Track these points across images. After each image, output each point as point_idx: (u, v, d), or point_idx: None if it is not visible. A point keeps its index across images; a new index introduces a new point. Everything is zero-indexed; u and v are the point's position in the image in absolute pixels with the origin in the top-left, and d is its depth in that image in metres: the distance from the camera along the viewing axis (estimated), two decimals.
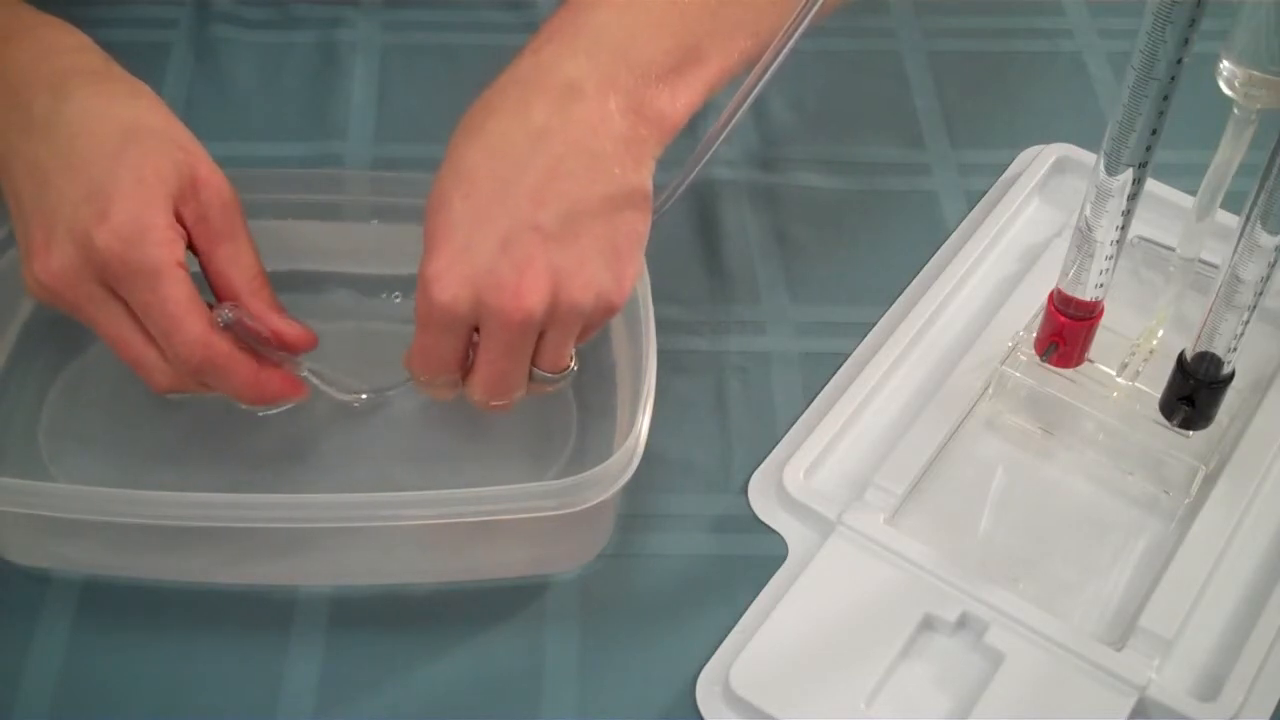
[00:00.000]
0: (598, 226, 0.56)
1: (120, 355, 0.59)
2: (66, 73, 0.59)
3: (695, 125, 0.61)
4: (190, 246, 0.60)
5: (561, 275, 0.55)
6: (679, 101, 0.58)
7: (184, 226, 0.59)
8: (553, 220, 0.55)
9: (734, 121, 0.56)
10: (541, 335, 0.58)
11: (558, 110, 0.56)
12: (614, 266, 0.57)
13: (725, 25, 0.60)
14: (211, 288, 0.61)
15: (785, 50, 0.54)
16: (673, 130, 0.59)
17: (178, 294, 0.56)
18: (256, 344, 0.60)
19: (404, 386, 0.65)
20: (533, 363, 0.59)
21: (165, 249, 0.56)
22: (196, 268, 0.60)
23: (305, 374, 0.62)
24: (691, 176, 0.59)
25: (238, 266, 0.60)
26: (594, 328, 0.59)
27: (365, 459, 0.65)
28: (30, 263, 0.57)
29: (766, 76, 0.55)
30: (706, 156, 0.58)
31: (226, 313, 0.59)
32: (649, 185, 0.58)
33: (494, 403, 0.60)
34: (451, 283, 0.56)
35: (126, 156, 0.57)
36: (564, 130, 0.56)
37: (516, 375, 0.59)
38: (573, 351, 0.60)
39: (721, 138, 0.57)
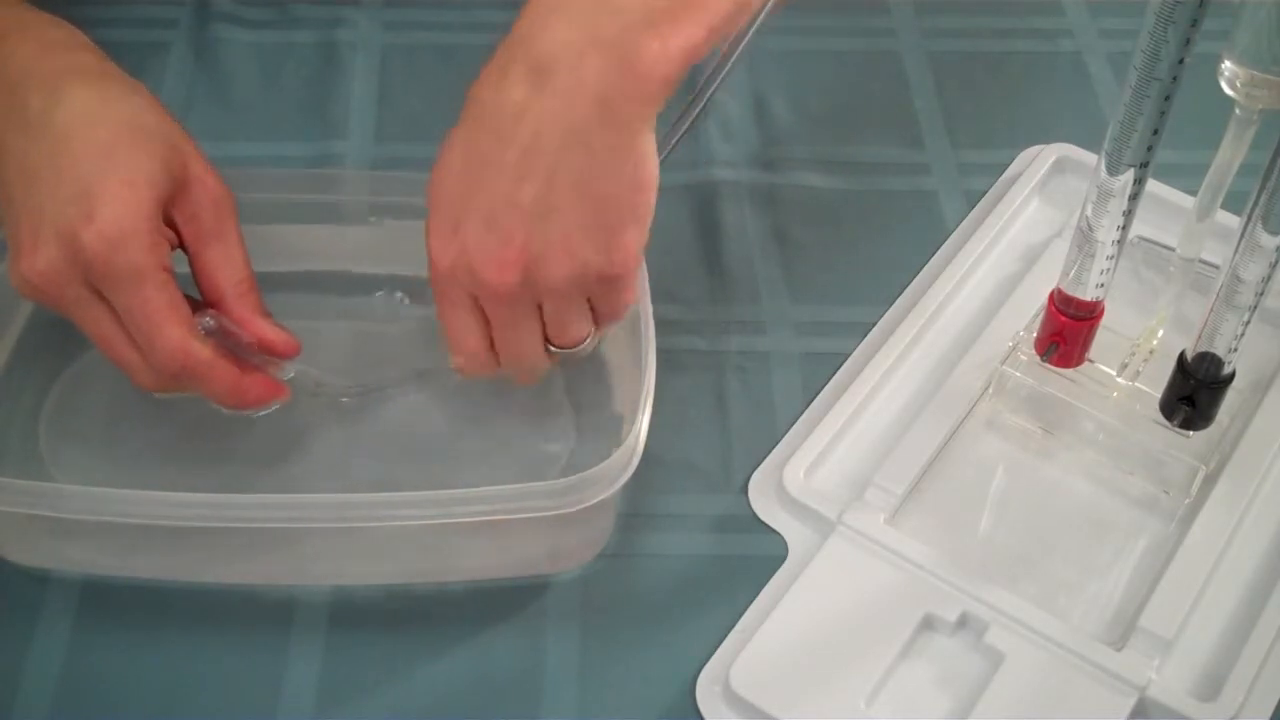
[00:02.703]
0: (580, 197, 0.55)
1: (105, 355, 0.59)
2: (62, 71, 0.59)
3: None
4: (181, 246, 0.60)
5: (540, 249, 0.55)
6: (672, 46, 0.55)
7: (174, 227, 0.59)
8: (531, 196, 0.55)
9: (738, 50, 0.56)
10: (544, 311, 0.58)
11: (536, 82, 0.55)
12: (600, 238, 0.56)
13: None
14: (199, 289, 0.61)
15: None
16: (666, 80, 0.56)
17: (159, 299, 0.56)
18: (238, 349, 0.60)
19: (397, 385, 0.66)
20: (547, 338, 0.59)
21: (149, 253, 0.56)
22: (187, 268, 0.60)
23: (291, 376, 0.62)
24: (692, 117, 0.59)
25: (226, 268, 0.60)
26: (606, 300, 0.58)
27: (364, 459, 0.65)
28: (17, 261, 0.57)
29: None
30: (703, 102, 0.58)
31: (208, 321, 0.59)
32: (641, 147, 0.56)
33: (520, 376, 0.61)
34: (445, 258, 0.56)
35: (116, 157, 0.57)
36: (541, 103, 0.55)
37: (527, 347, 0.59)
38: (590, 328, 0.60)
39: (726, 69, 0.57)
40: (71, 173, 0.56)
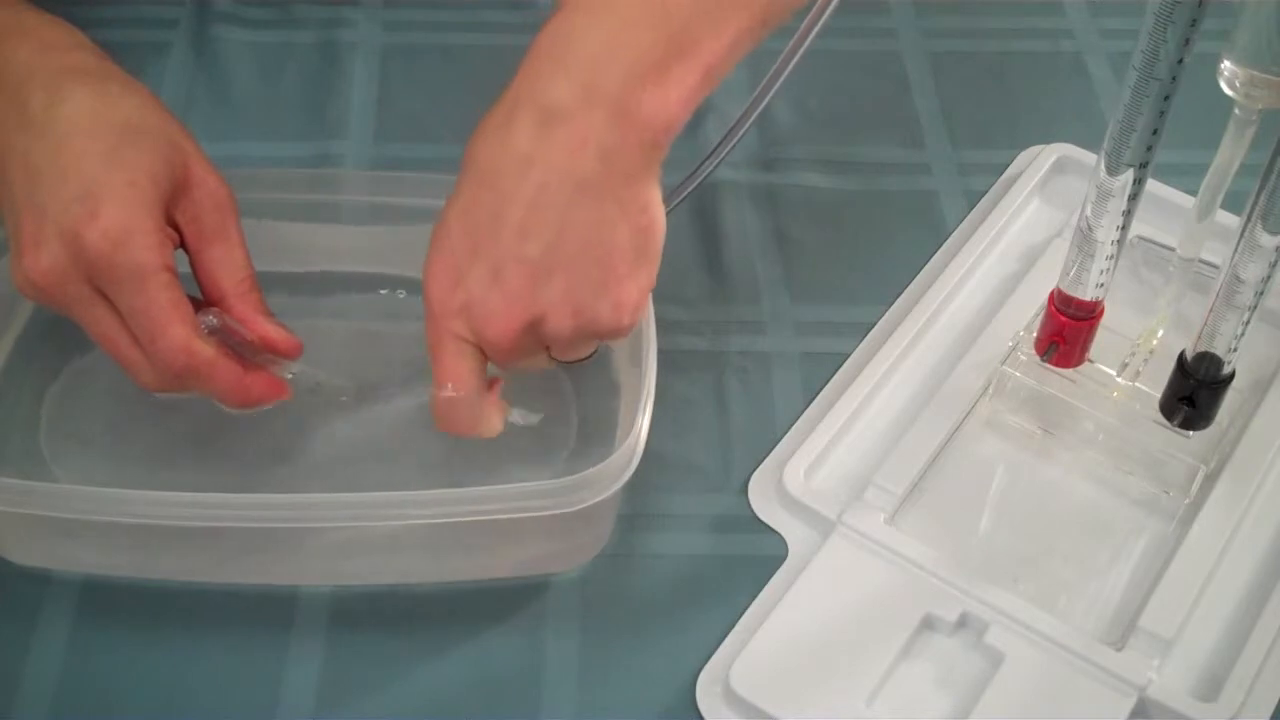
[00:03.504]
0: (585, 253, 0.56)
1: (108, 354, 0.59)
2: (63, 71, 0.59)
3: (697, 130, 0.60)
4: (183, 245, 0.60)
5: (547, 306, 0.56)
6: (671, 96, 0.56)
7: (176, 227, 0.59)
8: (538, 252, 0.55)
9: (756, 113, 0.57)
10: (549, 348, 0.59)
11: (540, 135, 0.55)
12: (607, 291, 0.57)
13: (713, 5, 0.58)
14: (200, 288, 0.61)
15: (804, 47, 0.55)
16: (668, 128, 0.57)
17: (162, 299, 0.56)
18: (241, 348, 0.60)
19: (398, 385, 0.66)
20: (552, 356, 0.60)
21: (152, 252, 0.56)
22: (188, 267, 0.60)
23: (292, 375, 0.62)
24: (708, 171, 0.60)
25: (227, 268, 0.60)
26: (609, 339, 0.59)
27: (365, 459, 0.65)
28: (20, 261, 0.57)
29: (796, 58, 0.56)
30: (721, 157, 0.58)
31: (211, 319, 0.59)
32: (647, 197, 0.57)
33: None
34: (449, 308, 0.57)
35: (119, 157, 0.57)
36: (546, 157, 0.55)
37: (534, 367, 0.60)
38: (594, 347, 0.61)
39: (742, 132, 0.57)
40: (74, 172, 0.56)
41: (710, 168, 0.61)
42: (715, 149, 0.62)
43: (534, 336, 0.57)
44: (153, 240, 0.56)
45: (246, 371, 0.60)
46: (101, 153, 0.57)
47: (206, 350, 0.58)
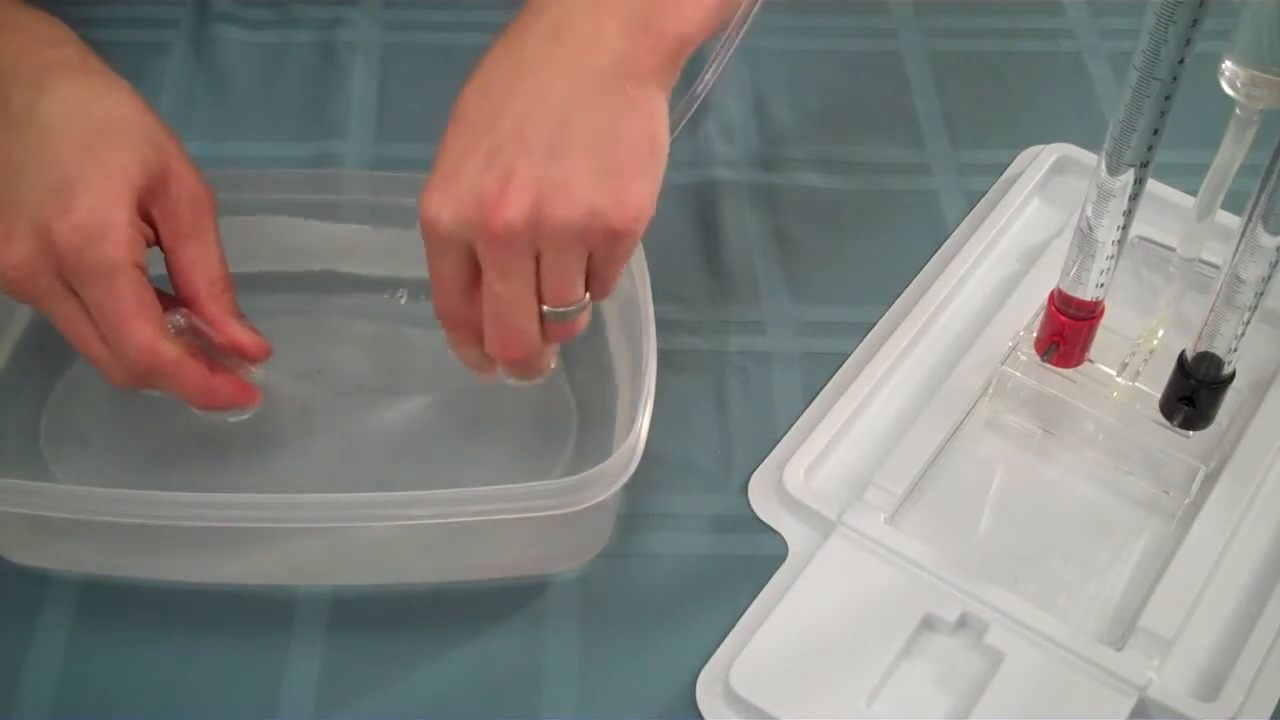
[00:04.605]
0: (591, 141, 0.53)
1: (77, 350, 0.58)
2: (46, 66, 0.58)
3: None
4: (159, 243, 0.59)
5: (546, 188, 0.53)
6: (688, 10, 0.55)
7: (152, 224, 0.59)
8: (539, 134, 0.53)
9: (745, 26, 0.56)
10: (541, 264, 0.55)
11: (549, 37, 0.54)
12: (611, 185, 0.54)
13: None
14: (174, 287, 0.60)
15: None
16: (680, 45, 0.55)
17: (129, 295, 0.56)
18: (209, 349, 0.60)
19: (398, 385, 0.66)
20: (541, 301, 0.57)
21: (122, 248, 0.56)
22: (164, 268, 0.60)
23: (261, 377, 0.62)
24: (708, 83, 0.58)
25: (200, 268, 0.60)
26: (607, 259, 0.56)
27: (364, 459, 0.65)
28: None
29: None
30: (720, 65, 0.57)
31: (178, 319, 0.58)
32: (656, 103, 0.55)
33: (511, 355, 0.58)
34: (435, 200, 0.54)
35: (95, 152, 0.57)
36: (555, 52, 0.54)
37: (521, 309, 0.56)
38: (583, 292, 0.57)
39: (737, 41, 0.57)
40: (52, 167, 0.56)
41: (702, 88, 0.59)
42: (714, 57, 0.59)
43: (532, 232, 0.53)
44: (123, 236, 0.56)
45: (214, 374, 0.59)
46: (78, 147, 0.57)
47: (171, 351, 0.57)
